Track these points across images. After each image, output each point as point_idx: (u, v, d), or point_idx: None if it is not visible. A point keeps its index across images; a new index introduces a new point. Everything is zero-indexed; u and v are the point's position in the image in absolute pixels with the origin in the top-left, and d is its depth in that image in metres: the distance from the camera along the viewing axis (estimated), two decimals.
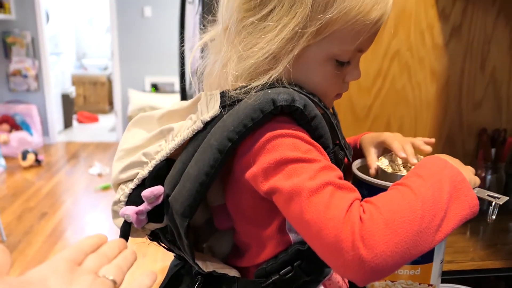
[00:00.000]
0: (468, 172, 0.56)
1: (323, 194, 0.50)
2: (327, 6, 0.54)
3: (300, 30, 0.55)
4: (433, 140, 0.75)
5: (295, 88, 0.58)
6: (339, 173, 0.54)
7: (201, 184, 0.55)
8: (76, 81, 6.19)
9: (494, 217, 0.56)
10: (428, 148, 0.72)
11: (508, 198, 0.56)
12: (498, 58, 1.23)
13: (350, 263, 0.47)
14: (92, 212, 3.17)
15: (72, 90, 5.67)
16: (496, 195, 0.56)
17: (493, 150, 1.21)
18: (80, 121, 5.96)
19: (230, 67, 0.59)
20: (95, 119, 6.07)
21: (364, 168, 0.74)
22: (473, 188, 0.54)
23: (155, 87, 5.18)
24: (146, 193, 0.58)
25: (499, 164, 1.21)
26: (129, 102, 4.97)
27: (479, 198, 0.54)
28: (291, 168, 0.52)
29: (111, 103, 6.26)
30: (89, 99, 6.37)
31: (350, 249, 0.47)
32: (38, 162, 4.08)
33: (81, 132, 5.47)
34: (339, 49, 0.58)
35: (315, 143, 0.56)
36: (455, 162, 0.56)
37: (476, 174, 0.59)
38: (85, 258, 0.45)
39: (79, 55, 6.64)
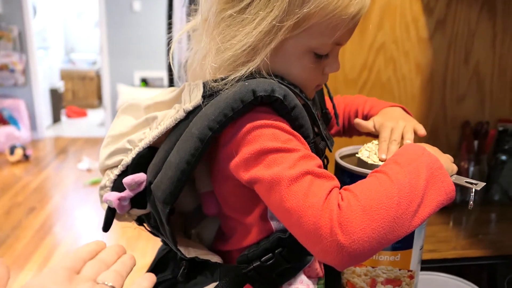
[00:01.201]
0: (445, 160, 0.57)
1: (302, 183, 0.51)
2: (305, 1, 0.54)
3: (277, 24, 0.55)
4: None
5: (276, 79, 0.58)
6: (319, 161, 0.55)
7: (182, 172, 0.56)
8: (65, 75, 6.12)
9: (472, 202, 0.58)
10: None
11: (485, 183, 0.57)
12: (482, 52, 1.25)
13: (328, 249, 0.49)
14: (81, 207, 3.16)
15: (60, 85, 5.61)
16: (474, 181, 0.57)
17: (476, 142, 1.23)
18: (68, 116, 5.90)
19: (209, 59, 0.59)
20: (84, 114, 6.02)
21: (347, 157, 0.75)
22: (451, 175, 0.56)
23: (145, 82, 5.15)
24: (127, 180, 0.59)
25: (482, 156, 1.23)
26: (118, 97, 4.92)
27: (458, 185, 0.56)
28: (271, 158, 0.53)
29: (100, 98, 6.21)
30: (77, 94, 6.31)
31: (328, 235, 0.49)
32: (26, 157, 4.05)
33: (70, 127, 5.42)
34: (317, 43, 0.58)
35: (295, 132, 0.57)
36: (433, 150, 0.57)
37: (459, 166, 0.60)
38: (83, 266, 0.45)
39: (67, 50, 6.56)
